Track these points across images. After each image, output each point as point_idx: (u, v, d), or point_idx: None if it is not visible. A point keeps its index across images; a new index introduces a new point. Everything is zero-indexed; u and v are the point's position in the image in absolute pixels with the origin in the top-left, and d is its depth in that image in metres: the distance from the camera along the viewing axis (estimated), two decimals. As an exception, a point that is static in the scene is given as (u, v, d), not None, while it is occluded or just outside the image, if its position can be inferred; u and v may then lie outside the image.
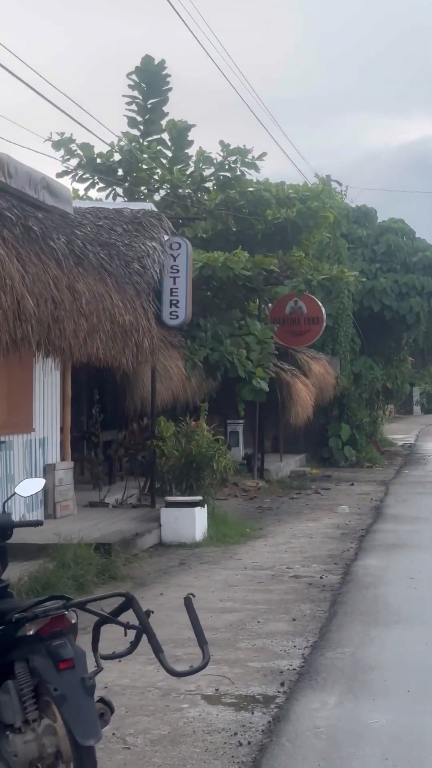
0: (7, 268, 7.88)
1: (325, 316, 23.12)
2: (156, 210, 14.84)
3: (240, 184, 19.28)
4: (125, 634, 5.04)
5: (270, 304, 23.28)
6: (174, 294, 15.41)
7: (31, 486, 5.76)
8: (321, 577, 11.30)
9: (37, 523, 5.74)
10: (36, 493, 5.79)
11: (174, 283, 15.42)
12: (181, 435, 14.80)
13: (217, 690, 7.01)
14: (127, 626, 4.99)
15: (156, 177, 18.69)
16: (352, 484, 23.09)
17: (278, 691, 6.96)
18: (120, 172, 18.53)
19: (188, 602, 5.14)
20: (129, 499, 15.82)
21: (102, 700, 5.00)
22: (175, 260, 15.41)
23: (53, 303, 8.70)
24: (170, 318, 15.47)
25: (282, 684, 7.11)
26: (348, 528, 15.52)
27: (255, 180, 19.88)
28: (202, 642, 5.10)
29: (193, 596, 5.19)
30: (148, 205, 15.07)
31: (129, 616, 4.89)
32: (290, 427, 24.61)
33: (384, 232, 31.31)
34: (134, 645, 5.15)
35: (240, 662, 7.72)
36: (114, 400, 17.12)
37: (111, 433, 16.91)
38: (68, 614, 4.88)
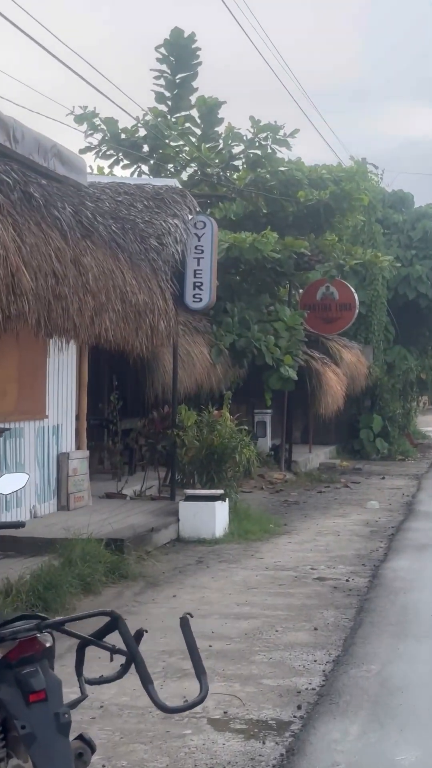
0: (0, 237, 7.12)
1: (357, 302, 22.23)
2: (180, 187, 14.06)
3: (271, 163, 18.42)
4: (111, 659, 4.29)
5: (301, 290, 22.43)
6: (198, 276, 14.64)
7: (11, 482, 5.01)
8: (347, 580, 10.51)
9: (18, 525, 4.98)
10: (17, 490, 5.03)
11: (198, 264, 14.64)
12: (203, 424, 14.03)
13: (225, 713, 6.24)
14: (113, 650, 4.24)
15: (183, 154, 17.86)
16: (383, 478, 22.24)
17: (294, 716, 6.18)
18: (145, 148, 17.74)
19: (184, 624, 4.36)
20: (148, 491, 15.09)
21: (81, 737, 4.25)
22: (199, 240, 14.64)
23: (54, 277, 7.94)
24: (193, 301, 14.70)
25: (299, 707, 6.33)
26: (377, 525, 14.70)
27: (287, 159, 19.02)
28: (199, 672, 4.33)
29: (191, 616, 4.42)
30: (172, 182, 14.30)
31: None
32: (320, 417, 23.78)
33: (420, 217, 30.34)
34: (125, 669, 4.37)
35: (253, 679, 6.95)
36: (134, 386, 16.40)
37: (131, 422, 16.19)
38: (41, 637, 4.13)
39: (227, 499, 13.60)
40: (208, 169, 17.99)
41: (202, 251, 14.60)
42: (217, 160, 17.73)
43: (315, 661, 7.40)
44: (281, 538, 13.41)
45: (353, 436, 27.67)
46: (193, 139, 18.99)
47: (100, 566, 9.98)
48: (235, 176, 18.98)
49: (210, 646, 7.76)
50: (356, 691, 6.62)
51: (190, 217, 14.04)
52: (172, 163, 17.83)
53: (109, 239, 9.19)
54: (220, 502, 13.20)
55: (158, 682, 6.66)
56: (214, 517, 13.02)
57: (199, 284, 14.63)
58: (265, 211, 20.41)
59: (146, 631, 4.37)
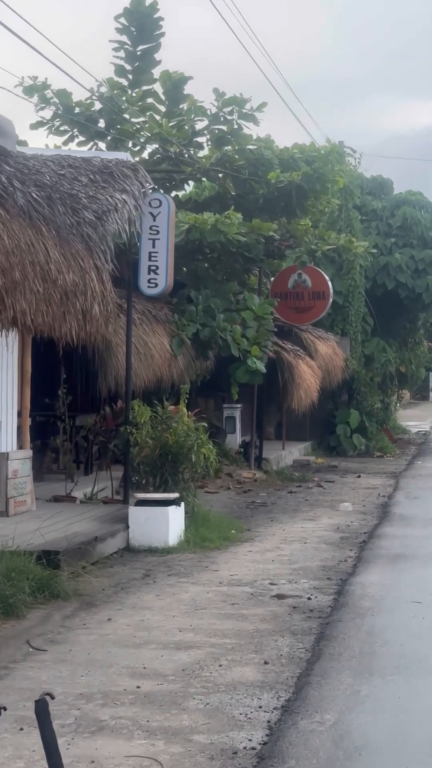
0: None
1: (331, 291, 21.01)
2: (133, 161, 12.83)
3: (237, 140, 17.17)
4: None
5: (272, 278, 21.19)
6: (153, 258, 13.43)
7: None
8: (309, 598, 9.31)
9: None
10: None
11: (153, 247, 13.43)
12: (157, 421, 12.79)
13: (139, 785, 5.03)
14: None
15: (144, 131, 16.58)
16: (359, 476, 21.06)
17: (225, 790, 4.98)
18: (102, 123, 16.47)
19: (41, 711, 3.14)
20: (100, 494, 13.87)
21: None
22: (154, 220, 13.42)
23: None
24: (148, 286, 13.51)
25: (232, 776, 5.13)
26: (349, 531, 13.51)
27: (255, 137, 17.78)
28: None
29: (52, 697, 3.20)
30: (124, 155, 13.04)
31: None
32: (294, 413, 22.55)
33: (400, 204, 29.14)
34: None
35: (183, 734, 5.73)
36: (87, 380, 15.15)
37: (87, 418, 14.95)
38: None
39: (183, 504, 12.40)
40: (170, 147, 16.72)
41: (158, 232, 13.40)
42: (179, 137, 16.44)
43: (260, 707, 6.19)
44: (242, 546, 12.20)
45: (329, 431, 26.48)
46: (157, 117, 17.72)
47: (26, 584, 8.75)
48: (200, 155, 17.72)
49: (138, 687, 6.55)
50: (304, 753, 5.41)
51: (143, 193, 12.77)
52: (130, 139, 16.55)
53: (28, 208, 7.95)
54: (174, 506, 11.99)
55: (65, 740, 5.45)
56: (167, 523, 11.81)
57: (154, 268, 13.43)
58: (233, 193, 19.19)
59: (5, 709, 3.16)
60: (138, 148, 17.66)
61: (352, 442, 26.12)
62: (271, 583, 9.98)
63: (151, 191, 13.28)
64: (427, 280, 28.16)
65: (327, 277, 21.08)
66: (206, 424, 20.52)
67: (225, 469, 19.49)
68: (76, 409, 15.56)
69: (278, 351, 19.88)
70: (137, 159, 15.18)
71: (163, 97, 17.89)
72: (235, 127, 16.88)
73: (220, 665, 7.09)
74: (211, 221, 15.81)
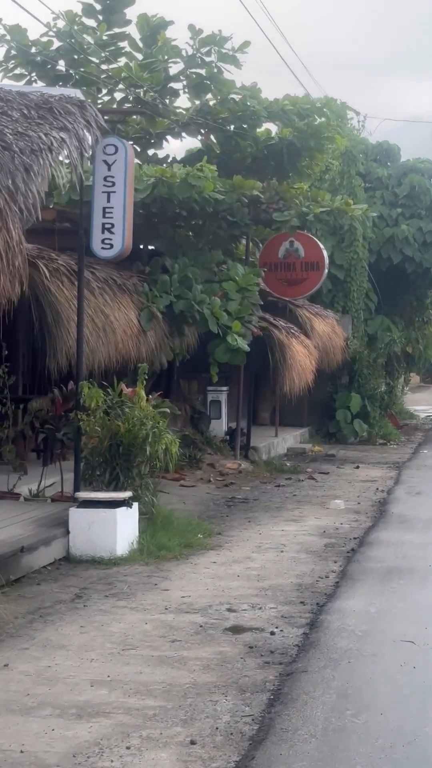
0: None
1: (327, 261, 18.90)
2: (81, 98, 10.81)
3: (218, 86, 15.08)
4: None
5: (261, 246, 19.11)
6: (108, 215, 11.44)
7: None
8: (272, 632, 7.35)
9: None
10: None
11: (108, 201, 11.43)
12: (110, 406, 10.80)
13: None
14: None
15: (110, 74, 14.49)
16: (358, 467, 19.05)
17: None
18: (62, 65, 14.44)
19: None
20: (48, 490, 11.91)
21: None
22: (109, 169, 11.42)
23: None
24: (102, 247, 11.53)
25: None
26: (337, 535, 11.53)
27: (240, 85, 15.67)
28: None
29: None
30: (73, 92, 11.05)
31: None
32: (289, 396, 20.48)
33: (408, 171, 27.01)
34: None
35: None
36: (35, 357, 13.17)
37: (35, 401, 12.96)
38: None
39: (137, 504, 10.45)
40: (142, 94, 14.63)
41: (113, 184, 11.40)
42: (151, 82, 14.36)
43: None
44: (206, 555, 10.23)
45: (329, 417, 24.45)
46: (132, 65, 15.60)
47: None
48: (178, 107, 15.63)
49: (-1, 788, 4.60)
50: None
51: (95, 138, 10.75)
52: (96, 84, 14.48)
53: None
54: (124, 508, 10.03)
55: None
56: (114, 528, 9.85)
57: (109, 226, 11.44)
58: (218, 151, 17.14)
59: None
60: (108, 98, 15.59)
61: (353, 429, 24.10)
62: (230, 609, 8.02)
63: (105, 137, 11.31)
64: (435, 254, 26.09)
65: (322, 246, 18.98)
66: (188, 408, 18.69)
67: (207, 458, 17.54)
68: (30, 392, 13.61)
69: (267, 328, 17.86)
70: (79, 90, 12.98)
71: (140, 44, 15.79)
72: (215, 71, 14.77)
73: (128, 747, 5.13)
74: (180, 174, 13.75)
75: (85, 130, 10.26)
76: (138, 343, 14.12)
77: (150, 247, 16.72)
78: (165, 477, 15.82)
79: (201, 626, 7.49)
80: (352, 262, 24.78)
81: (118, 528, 9.87)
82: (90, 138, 10.37)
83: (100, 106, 14.52)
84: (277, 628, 7.48)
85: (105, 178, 11.31)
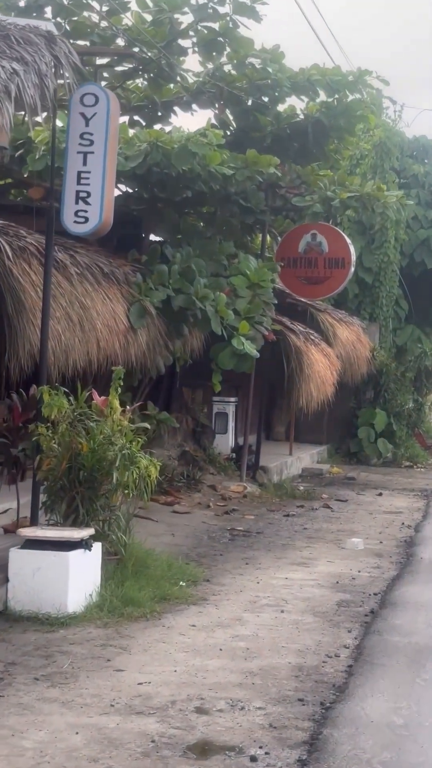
0: None
1: (353, 258, 16.58)
2: (52, 31, 8.66)
3: (233, 44, 12.85)
4: None
5: (279, 239, 16.83)
6: (84, 181, 9.26)
7: None
8: (253, 758, 5.13)
9: None
10: None
11: (84, 164, 9.25)
12: (75, 419, 8.57)
13: None
14: None
15: (107, 28, 12.33)
16: (381, 494, 16.78)
17: None
18: (48, 13, 12.26)
19: None
20: (1, 518, 9.73)
21: None
22: (87, 125, 9.24)
23: None
24: (75, 221, 9.34)
25: None
26: (353, 588, 9.26)
27: (260, 48, 13.45)
28: None
29: None
30: (44, 24, 8.92)
31: None
32: (307, 411, 18.13)
33: (447, 170, 24.74)
34: None
35: None
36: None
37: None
38: None
39: (102, 544, 8.25)
40: (143, 54, 12.43)
41: (91, 143, 9.22)
42: (154, 33, 12.15)
43: None
44: (184, 614, 8.00)
45: (350, 434, 22.15)
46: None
47: None
48: (187, 70, 13.43)
49: None
50: None
51: (68, 83, 8.57)
52: (87, 38, 12.29)
53: None
54: (80, 551, 7.83)
55: None
56: (66, 577, 7.65)
57: (84, 195, 9.26)
58: (233, 127, 14.95)
59: None
60: (107, 60, 13.38)
61: (377, 449, 21.78)
62: (200, 709, 5.80)
63: (83, 85, 9.14)
64: (474, 260, 23.77)
65: (348, 241, 16.65)
66: (190, 420, 16.48)
67: (208, 479, 15.34)
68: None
69: (282, 332, 15.61)
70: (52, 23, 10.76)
71: (149, 3, 13.52)
72: (230, 25, 12.54)
73: None
74: (177, 137, 11.52)
75: (47, 65, 8.07)
76: (126, 343, 11.91)
77: (155, 238, 14.59)
78: (156, 501, 13.66)
79: (153, 741, 5.27)
80: (382, 265, 22.54)
81: (71, 576, 7.67)
82: (55, 80, 8.22)
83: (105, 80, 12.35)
84: (261, 748, 5.24)
85: (81, 136, 9.14)
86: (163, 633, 7.40)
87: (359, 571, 10.10)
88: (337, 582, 9.53)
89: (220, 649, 7.04)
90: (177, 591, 8.59)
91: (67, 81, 8.47)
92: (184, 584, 8.88)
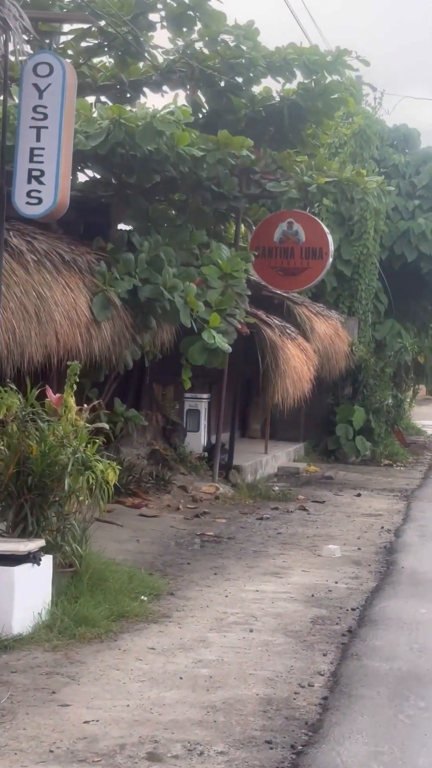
0: None
1: (332, 248, 15.83)
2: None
3: (204, 18, 12.10)
4: None
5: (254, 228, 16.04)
6: (36, 159, 8.51)
7: None
8: None
9: None
10: None
11: (37, 139, 8.51)
12: (26, 419, 7.81)
13: None
14: None
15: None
16: (359, 494, 16.09)
17: None
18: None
19: None
20: None
21: None
22: (41, 96, 8.48)
23: None
24: (27, 202, 8.58)
25: None
26: (329, 603, 8.55)
27: (233, 24, 12.70)
28: None
29: None
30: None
31: None
32: (283, 407, 17.39)
33: (428, 160, 24.05)
34: None
35: None
36: None
37: None
38: None
39: (54, 556, 7.49)
40: (109, 28, 11.65)
41: (45, 116, 8.46)
42: (120, 8, 11.37)
43: None
44: (143, 633, 7.26)
45: (328, 432, 21.43)
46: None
47: None
48: (157, 47, 12.67)
49: None
50: None
51: (17, 48, 7.80)
52: (45, 8, 11.46)
53: None
54: (29, 565, 7.07)
55: None
56: (11, 594, 6.89)
57: (37, 174, 8.51)
58: (205, 109, 14.20)
59: None
60: (72, 36, 12.60)
61: (355, 446, 21.09)
62: (151, 756, 5.06)
63: (37, 54, 8.37)
64: (456, 253, 23.10)
65: (326, 230, 15.89)
66: (160, 418, 15.75)
67: (179, 480, 14.60)
68: None
69: (257, 325, 14.88)
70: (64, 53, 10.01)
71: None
72: (202, -5, 11.77)
73: None
74: (142, 115, 10.75)
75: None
76: (89, 337, 11.16)
77: (124, 228, 13.83)
78: (122, 503, 12.92)
79: (94, 800, 4.53)
80: (361, 258, 21.85)
81: (17, 594, 6.91)
82: (3, 46, 7.45)
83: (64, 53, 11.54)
84: (219, 808, 4.51)
85: (34, 109, 8.38)
86: (118, 658, 6.66)
87: (336, 582, 9.39)
88: (312, 595, 8.81)
89: (181, 678, 6.30)
90: (137, 607, 7.84)
91: (18, 47, 7.72)
92: (145, 599, 8.14)
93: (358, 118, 21.40)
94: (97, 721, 5.49)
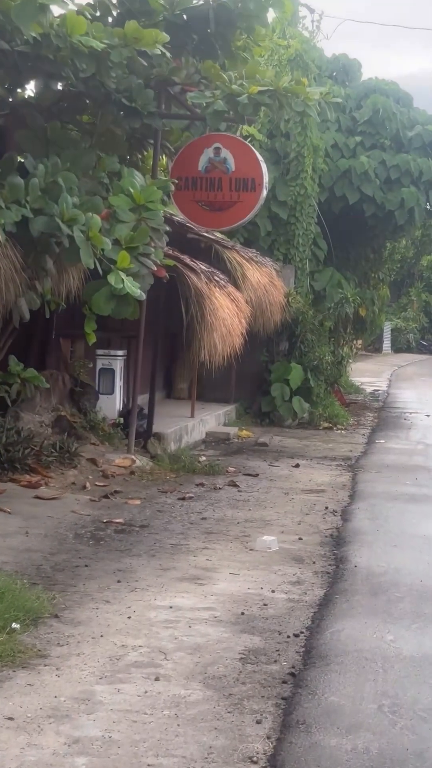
0: None
1: (266, 179, 13.53)
2: None
3: None
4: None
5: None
6: None
7: None
8: None
9: None
10: None
11: None
12: None
13: None
14: None
15: None
16: (297, 465, 14.08)
17: None
18: None
19: None
20: None
21: None
22: None
23: None
24: None
25: None
26: (263, 627, 6.49)
27: None
28: None
29: None
30: None
31: None
32: (208, 365, 15.24)
33: (370, 93, 21.92)
34: None
35: None
36: None
37: None
38: None
39: None
40: None
41: None
42: None
43: None
44: (3, 689, 5.13)
45: (262, 392, 19.37)
46: None
47: None
48: None
49: None
50: None
51: None
52: None
53: None
54: None
55: None
56: None
57: None
58: (115, 12, 11.87)
59: None
60: None
61: (292, 408, 19.05)
62: None
63: None
64: (401, 194, 21.05)
65: (260, 157, 13.63)
66: (67, 378, 13.56)
67: (89, 451, 12.42)
68: None
69: (178, 269, 12.68)
70: None
71: None
72: None
73: None
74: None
75: None
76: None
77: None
78: (16, 482, 10.79)
79: None
80: (298, 199, 19.67)
81: None
82: None
83: None
84: None
85: None
86: (-42, 737, 4.53)
87: (273, 591, 7.34)
88: (243, 613, 6.75)
89: (44, 776, 4.20)
90: (4, 641, 5.71)
91: None
92: (17, 627, 6.02)
93: (295, 41, 19.18)
94: None
